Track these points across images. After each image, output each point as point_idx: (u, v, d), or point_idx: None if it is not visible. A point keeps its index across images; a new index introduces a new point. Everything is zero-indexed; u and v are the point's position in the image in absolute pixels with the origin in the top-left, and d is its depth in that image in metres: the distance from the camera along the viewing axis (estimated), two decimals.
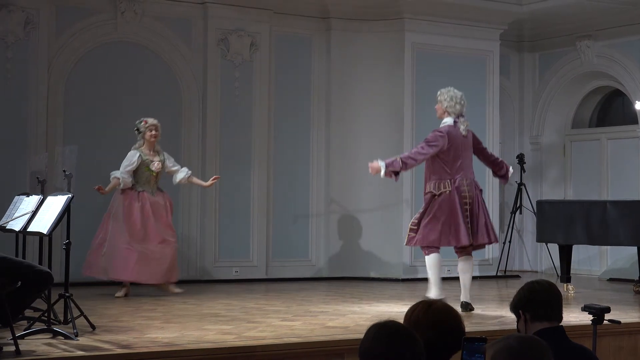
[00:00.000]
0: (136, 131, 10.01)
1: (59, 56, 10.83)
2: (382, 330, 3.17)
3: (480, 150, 9.03)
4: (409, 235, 8.76)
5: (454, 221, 8.48)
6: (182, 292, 9.84)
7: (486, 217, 8.69)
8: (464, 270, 8.80)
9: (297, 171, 11.81)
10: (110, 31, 11.15)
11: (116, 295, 9.70)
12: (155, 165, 9.90)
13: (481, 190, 8.85)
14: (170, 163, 10.08)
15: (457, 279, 12.17)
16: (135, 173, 9.91)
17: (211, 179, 10.31)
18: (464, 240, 8.49)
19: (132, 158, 9.88)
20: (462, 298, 8.67)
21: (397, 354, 3.11)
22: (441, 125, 8.74)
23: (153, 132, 9.94)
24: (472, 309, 8.58)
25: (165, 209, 9.98)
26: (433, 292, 8.62)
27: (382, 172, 8.53)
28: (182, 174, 10.14)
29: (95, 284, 10.43)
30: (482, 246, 9.04)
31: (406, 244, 9.06)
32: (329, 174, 12.17)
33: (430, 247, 8.66)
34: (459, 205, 8.50)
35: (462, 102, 8.80)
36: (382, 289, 10.90)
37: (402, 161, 8.54)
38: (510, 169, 9.23)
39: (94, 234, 10.54)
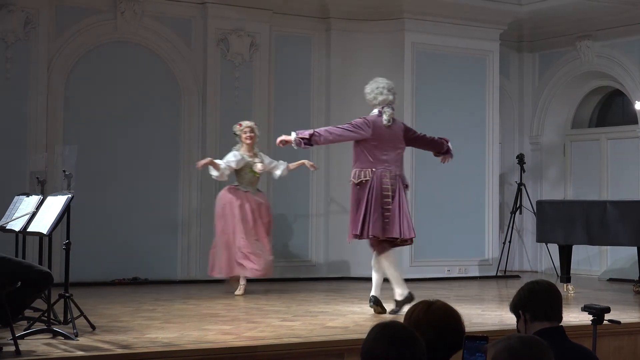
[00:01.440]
0: (234, 134, 10.24)
1: (59, 56, 10.84)
2: (385, 330, 3.17)
3: (415, 140, 8.70)
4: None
5: (369, 211, 8.13)
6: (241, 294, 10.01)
7: (403, 212, 8.23)
8: (392, 263, 8.40)
9: (297, 171, 11.79)
10: (109, 31, 11.15)
11: (235, 294, 9.93)
12: (259, 167, 10.10)
13: (407, 186, 8.51)
14: (267, 161, 10.25)
15: (458, 279, 12.26)
16: (237, 174, 10.08)
17: (310, 164, 10.52)
18: (375, 232, 8.11)
19: (236, 157, 10.08)
20: (397, 295, 8.36)
21: (399, 355, 3.11)
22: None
23: (248, 134, 10.13)
24: (410, 298, 8.23)
25: (266, 209, 10.24)
26: (397, 292, 8.33)
27: (292, 138, 8.19)
28: (281, 167, 10.35)
29: (95, 284, 10.45)
30: (406, 242, 8.51)
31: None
32: (329, 173, 12.17)
33: (378, 247, 8.30)
34: (378, 196, 8.14)
35: (385, 91, 8.41)
36: (382, 288, 10.86)
37: (315, 131, 8.27)
38: (449, 144, 8.94)
39: (94, 233, 10.59)
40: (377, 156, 8.28)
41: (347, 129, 8.28)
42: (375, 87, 8.49)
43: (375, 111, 8.41)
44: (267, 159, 10.31)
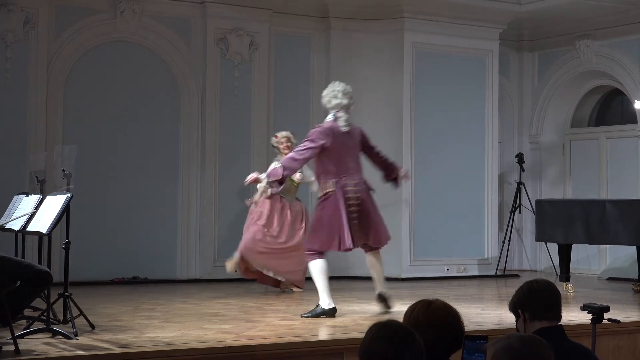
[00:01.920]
0: (272, 147, 10.38)
1: (58, 56, 10.84)
2: (383, 330, 3.17)
3: (368, 150, 8.39)
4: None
5: (336, 224, 7.89)
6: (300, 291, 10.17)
7: (370, 219, 8.06)
8: (372, 264, 8.27)
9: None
10: (109, 31, 11.16)
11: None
12: (297, 177, 10.06)
13: (372, 190, 8.25)
14: (308, 173, 10.13)
15: (457, 278, 12.26)
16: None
17: None
18: (348, 244, 7.88)
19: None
20: (378, 290, 8.23)
21: (397, 354, 3.11)
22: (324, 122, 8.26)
23: (285, 144, 10.19)
24: (388, 301, 8.19)
25: (302, 216, 10.27)
26: (324, 301, 7.99)
27: (264, 183, 8.12)
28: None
29: (95, 284, 10.45)
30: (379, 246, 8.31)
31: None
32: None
33: (314, 253, 8.06)
34: (343, 207, 7.91)
35: (340, 95, 8.11)
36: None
37: (282, 167, 7.96)
38: (403, 172, 8.63)
39: (93, 233, 10.59)
40: (338, 164, 8.01)
41: (308, 147, 7.97)
42: (331, 91, 8.21)
43: (330, 116, 8.17)
44: (307, 171, 10.25)
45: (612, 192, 12.99)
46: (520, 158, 13.55)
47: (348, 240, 7.89)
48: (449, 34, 12.46)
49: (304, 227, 10.21)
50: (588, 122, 14.04)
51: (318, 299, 8.05)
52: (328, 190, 7.99)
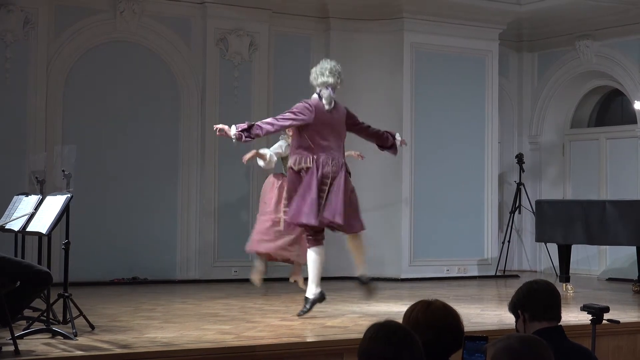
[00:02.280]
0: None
1: (58, 56, 10.83)
2: (381, 330, 3.17)
3: (358, 129, 8.27)
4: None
5: (304, 199, 7.78)
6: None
7: (345, 199, 7.83)
8: (353, 247, 8.14)
9: None
10: (109, 31, 11.16)
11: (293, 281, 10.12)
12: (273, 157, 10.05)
13: (349, 173, 8.02)
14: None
15: (457, 278, 12.26)
16: (283, 162, 9.91)
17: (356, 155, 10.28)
18: (309, 220, 7.72)
19: (282, 146, 9.96)
20: (359, 273, 8.10)
21: (395, 354, 3.11)
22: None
23: None
24: (369, 285, 8.07)
25: None
26: (310, 291, 7.96)
27: (232, 132, 7.69)
28: None
29: (95, 284, 10.45)
30: (345, 229, 8.01)
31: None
32: None
33: (310, 238, 7.93)
34: (317, 183, 7.76)
35: (327, 73, 7.98)
36: (381, 288, 10.86)
37: (256, 124, 7.77)
38: (398, 137, 8.49)
39: (93, 233, 10.59)
40: (319, 142, 7.88)
41: (288, 117, 7.92)
42: (318, 69, 8.07)
43: (315, 95, 8.08)
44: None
45: (611, 193, 12.99)
46: (520, 158, 13.55)
47: (310, 216, 7.73)
48: (448, 34, 12.46)
49: None
50: (588, 123, 14.03)
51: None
52: (305, 166, 7.86)
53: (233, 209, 11.54)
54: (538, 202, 11.42)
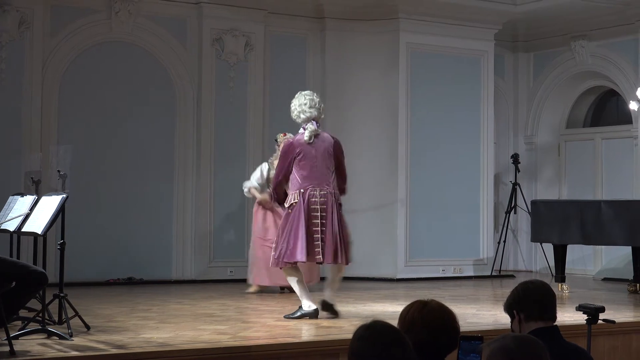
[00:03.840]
0: (275, 141, 10.31)
1: (54, 56, 10.82)
2: (367, 330, 3.18)
3: (338, 165, 8.16)
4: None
5: (294, 236, 7.79)
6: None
7: (338, 233, 7.87)
8: (333, 272, 8.18)
9: None
10: (104, 31, 11.15)
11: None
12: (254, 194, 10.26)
13: (340, 205, 8.04)
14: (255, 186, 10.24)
15: (453, 278, 12.26)
16: (268, 183, 10.03)
17: None
18: (299, 257, 7.78)
19: (262, 170, 10.30)
20: (326, 295, 8.09)
21: (384, 353, 3.11)
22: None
23: None
24: (334, 307, 8.01)
25: None
26: (305, 304, 7.92)
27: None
28: None
29: (90, 284, 10.44)
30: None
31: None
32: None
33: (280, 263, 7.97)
34: (305, 218, 7.80)
35: (304, 108, 8.07)
36: (377, 288, 10.90)
37: (273, 191, 8.22)
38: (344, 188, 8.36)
39: (88, 233, 10.58)
40: (304, 175, 7.95)
41: (281, 167, 8.09)
42: (298, 105, 8.13)
43: (301, 129, 8.15)
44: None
45: (607, 193, 13.01)
46: (515, 159, 13.56)
47: (300, 254, 7.78)
48: (444, 34, 12.47)
49: None
50: (583, 123, 14.05)
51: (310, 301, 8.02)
52: (292, 202, 7.93)
53: (229, 209, 11.54)
54: (534, 202, 11.43)
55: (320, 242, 7.84)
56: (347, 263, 8.06)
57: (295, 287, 8.06)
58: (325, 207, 7.89)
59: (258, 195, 10.26)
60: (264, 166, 10.38)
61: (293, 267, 8.01)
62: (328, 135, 8.24)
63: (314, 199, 7.89)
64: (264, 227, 10.18)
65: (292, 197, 7.95)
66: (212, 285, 10.82)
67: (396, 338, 3.16)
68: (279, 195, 8.11)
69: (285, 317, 7.97)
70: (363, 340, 3.17)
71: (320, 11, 12.27)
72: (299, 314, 7.94)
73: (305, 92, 8.30)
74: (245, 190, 10.46)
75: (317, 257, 7.86)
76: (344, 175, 8.23)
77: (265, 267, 9.61)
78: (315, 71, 12.28)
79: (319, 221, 7.86)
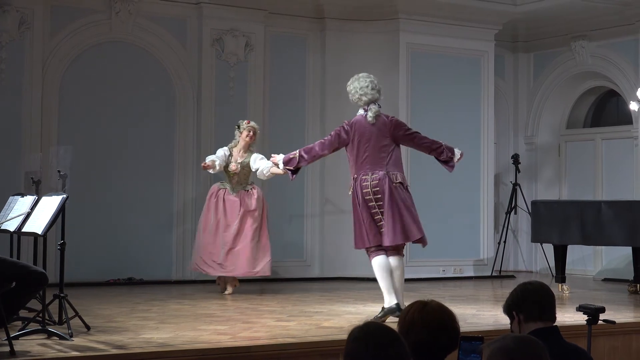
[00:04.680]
0: (236, 127, 10.24)
1: (54, 56, 10.82)
2: (362, 331, 3.19)
3: (409, 139, 8.17)
4: None
5: (358, 224, 7.84)
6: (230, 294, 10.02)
7: (401, 214, 7.77)
8: (394, 268, 7.93)
9: None
10: (104, 31, 11.15)
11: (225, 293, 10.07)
12: (232, 167, 10.11)
13: (401, 184, 7.91)
14: (253, 163, 10.08)
15: (453, 279, 12.26)
16: (225, 169, 10.14)
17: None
18: (359, 245, 7.87)
19: (220, 152, 10.18)
20: (393, 301, 7.80)
21: (378, 354, 3.11)
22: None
23: (250, 134, 10.13)
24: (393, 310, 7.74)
25: (245, 208, 10.06)
26: (386, 300, 7.83)
27: (280, 168, 8.24)
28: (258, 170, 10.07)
29: (90, 285, 10.44)
30: (403, 245, 8.02)
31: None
32: (324, 173, 12.17)
33: (372, 250, 7.88)
34: (361, 204, 7.78)
35: (367, 90, 8.03)
36: (377, 289, 10.86)
37: (299, 155, 8.07)
38: (457, 153, 8.39)
39: (89, 234, 10.59)
40: (358, 159, 7.89)
41: (326, 141, 8.07)
42: (359, 88, 8.09)
43: (361, 111, 8.08)
44: (255, 161, 10.08)
45: (607, 193, 13.01)
46: (515, 159, 13.56)
47: (362, 242, 7.83)
48: (444, 34, 12.47)
49: (246, 218, 10.07)
50: (583, 123, 14.05)
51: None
52: (350, 189, 7.97)
53: None
54: (534, 203, 11.43)
55: (384, 225, 7.76)
56: (421, 241, 7.99)
57: (380, 280, 7.86)
58: (381, 189, 7.76)
59: (280, 171, 9.82)
60: (226, 150, 10.21)
61: (380, 257, 7.83)
62: (385, 116, 8.15)
63: (366, 183, 7.81)
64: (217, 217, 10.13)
65: (350, 182, 7.97)
66: (212, 285, 10.80)
67: (391, 339, 3.16)
68: (296, 169, 8.12)
69: (374, 318, 7.63)
70: (357, 341, 3.17)
71: (320, 11, 12.27)
72: (381, 314, 7.77)
73: (362, 74, 8.27)
74: (266, 171, 9.87)
75: (392, 244, 7.76)
76: (428, 144, 8.27)
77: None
78: (315, 71, 12.28)
79: (375, 204, 7.79)
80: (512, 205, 13.52)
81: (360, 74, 8.26)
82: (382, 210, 7.77)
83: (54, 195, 6.70)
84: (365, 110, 8.03)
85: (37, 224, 6.59)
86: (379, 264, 7.85)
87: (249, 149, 10.19)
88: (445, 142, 8.43)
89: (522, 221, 13.78)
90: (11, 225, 6.97)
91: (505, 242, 13.41)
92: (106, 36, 11.17)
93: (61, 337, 6.32)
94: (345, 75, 12.20)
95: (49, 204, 6.62)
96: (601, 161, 13.37)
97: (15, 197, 7.52)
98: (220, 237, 10.01)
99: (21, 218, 6.81)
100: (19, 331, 6.39)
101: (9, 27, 10.51)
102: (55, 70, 10.84)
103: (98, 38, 11.13)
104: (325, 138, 8.18)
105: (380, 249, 7.85)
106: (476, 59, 12.82)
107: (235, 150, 10.18)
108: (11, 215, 7.09)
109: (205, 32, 11.56)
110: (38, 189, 7.72)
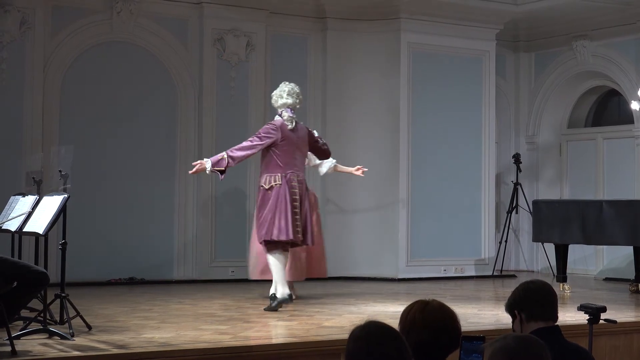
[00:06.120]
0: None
1: (55, 56, 10.83)
2: (362, 330, 3.18)
3: (315, 147, 9.07)
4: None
5: (283, 214, 8.46)
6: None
7: (311, 219, 8.72)
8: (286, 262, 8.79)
9: None
10: (106, 31, 11.15)
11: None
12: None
13: (307, 191, 8.85)
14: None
15: (454, 278, 12.26)
16: None
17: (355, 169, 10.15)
18: (290, 235, 8.44)
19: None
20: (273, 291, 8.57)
21: (378, 353, 3.11)
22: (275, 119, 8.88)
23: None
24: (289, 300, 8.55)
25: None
26: (279, 291, 8.44)
27: (208, 170, 8.53)
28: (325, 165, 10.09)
29: (92, 284, 10.44)
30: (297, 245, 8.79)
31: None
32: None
33: (271, 245, 8.55)
34: (289, 199, 8.50)
35: (285, 95, 8.79)
36: (378, 288, 10.90)
37: (228, 156, 8.51)
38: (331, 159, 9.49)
39: (90, 233, 10.59)
40: (286, 160, 8.62)
41: (256, 144, 8.61)
42: (278, 91, 8.85)
43: (277, 116, 8.77)
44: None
45: (608, 193, 13.00)
46: (517, 158, 13.55)
47: (290, 231, 8.42)
48: (445, 34, 12.46)
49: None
50: (585, 123, 14.05)
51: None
52: (275, 184, 8.52)
53: (230, 209, 11.54)
54: (535, 202, 11.43)
55: (302, 226, 8.58)
56: (313, 244, 8.81)
57: (276, 273, 8.51)
58: (301, 192, 8.65)
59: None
60: None
61: (281, 254, 8.57)
62: (302, 125, 8.95)
63: (293, 184, 8.59)
64: None
65: (273, 178, 8.57)
66: (213, 285, 10.82)
67: (391, 338, 3.15)
68: (225, 170, 8.51)
69: (265, 309, 8.30)
70: (358, 341, 3.16)
71: (321, 11, 12.27)
72: (275, 304, 8.31)
73: (287, 82, 8.98)
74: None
75: (298, 236, 8.54)
76: (325, 149, 9.17)
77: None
78: (316, 71, 12.28)
79: (298, 204, 8.53)
80: (514, 205, 13.52)
81: (285, 83, 9.02)
82: (298, 211, 8.54)
83: (55, 195, 6.70)
84: (282, 116, 8.71)
85: (38, 224, 6.59)
86: (283, 257, 8.62)
87: None
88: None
89: (524, 221, 13.77)
90: (12, 225, 6.97)
91: (506, 241, 13.41)
92: (107, 36, 11.17)
93: (62, 337, 6.33)
94: (346, 75, 12.29)
95: (50, 204, 6.62)
96: (602, 161, 13.36)
97: (17, 197, 7.52)
98: None
99: (22, 218, 6.81)
100: (20, 331, 6.40)
101: (10, 27, 10.51)
102: (56, 70, 10.84)
103: (99, 38, 11.13)
104: (253, 139, 8.69)
105: (284, 243, 8.55)
106: (477, 58, 12.82)
107: None
108: (12, 215, 7.09)
109: (207, 32, 11.56)
110: (39, 189, 7.72)
